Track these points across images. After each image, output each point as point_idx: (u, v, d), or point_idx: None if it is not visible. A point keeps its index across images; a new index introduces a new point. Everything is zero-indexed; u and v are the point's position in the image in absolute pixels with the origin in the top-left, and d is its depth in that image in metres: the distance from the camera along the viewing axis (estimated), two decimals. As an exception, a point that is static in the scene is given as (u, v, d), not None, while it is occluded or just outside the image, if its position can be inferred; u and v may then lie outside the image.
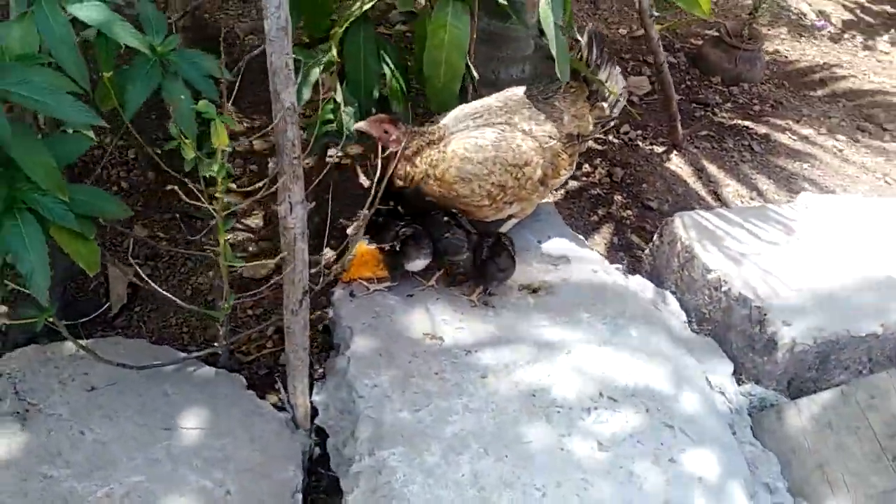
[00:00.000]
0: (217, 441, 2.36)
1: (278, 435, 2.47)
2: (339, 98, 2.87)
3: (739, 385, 2.75)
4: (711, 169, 4.16)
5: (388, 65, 2.90)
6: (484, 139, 2.67)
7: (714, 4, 5.36)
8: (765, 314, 2.71)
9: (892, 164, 4.37)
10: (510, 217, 2.91)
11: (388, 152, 2.54)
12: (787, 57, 5.28)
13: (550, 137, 2.77)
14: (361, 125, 2.62)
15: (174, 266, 3.23)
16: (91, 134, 2.00)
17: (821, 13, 5.86)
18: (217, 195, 1.92)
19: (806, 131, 4.55)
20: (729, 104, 4.72)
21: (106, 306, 2.98)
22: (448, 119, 2.75)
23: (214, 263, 2.71)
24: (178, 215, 3.42)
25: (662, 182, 4.01)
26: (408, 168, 2.65)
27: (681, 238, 3.04)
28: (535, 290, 2.75)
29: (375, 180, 2.36)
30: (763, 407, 2.71)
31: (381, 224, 2.71)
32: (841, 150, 4.44)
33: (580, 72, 2.92)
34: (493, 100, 2.81)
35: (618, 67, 3.10)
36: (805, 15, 5.82)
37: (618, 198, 3.89)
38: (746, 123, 4.53)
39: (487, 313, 2.65)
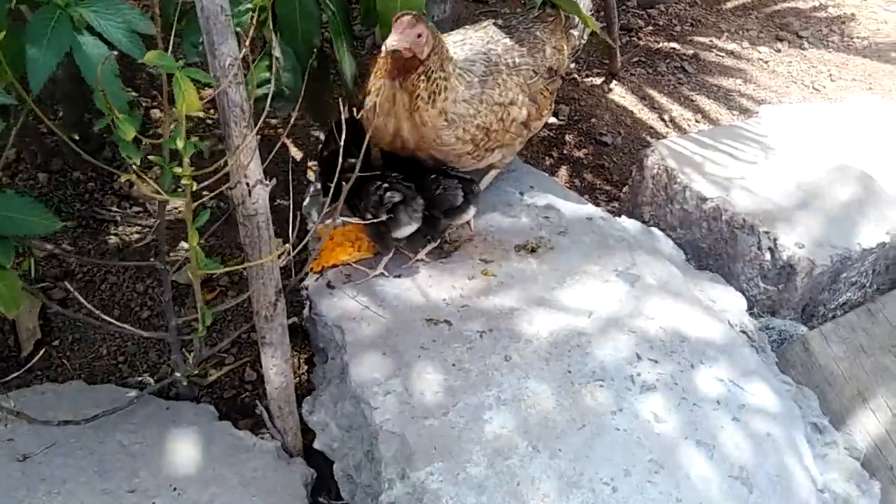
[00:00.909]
0: (202, 494, 1.87)
1: (272, 469, 2.01)
2: (277, 52, 2.35)
3: (756, 319, 2.51)
4: (653, 95, 3.90)
5: (329, 5, 2.39)
6: (471, 74, 2.24)
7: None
8: (775, 239, 2.46)
9: (817, 70, 4.26)
10: (490, 168, 2.51)
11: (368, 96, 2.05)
12: (691, -27, 5.07)
13: (534, 72, 2.37)
14: (395, 43, 2.01)
15: (92, 284, 2.63)
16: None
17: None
18: (184, 180, 1.40)
19: (730, 46, 4.38)
20: (650, 27, 4.47)
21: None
22: None
23: (158, 271, 2.17)
24: (84, 220, 2.80)
25: (610, 114, 3.71)
26: (424, 112, 2.15)
27: (666, 169, 2.74)
28: (533, 250, 2.38)
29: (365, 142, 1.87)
30: (783, 340, 2.48)
31: (356, 189, 2.24)
32: (766, 62, 4.30)
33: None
34: (472, 30, 2.37)
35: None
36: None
37: (569, 137, 3.56)
38: (673, 45, 4.30)
39: (490, 283, 2.26)
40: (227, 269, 1.63)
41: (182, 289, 2.62)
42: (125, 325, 1.87)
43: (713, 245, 2.64)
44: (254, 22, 2.17)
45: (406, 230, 2.19)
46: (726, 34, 4.48)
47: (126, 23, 1.67)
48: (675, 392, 2.00)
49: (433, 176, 2.26)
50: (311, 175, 3.13)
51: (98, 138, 3.05)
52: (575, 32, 2.59)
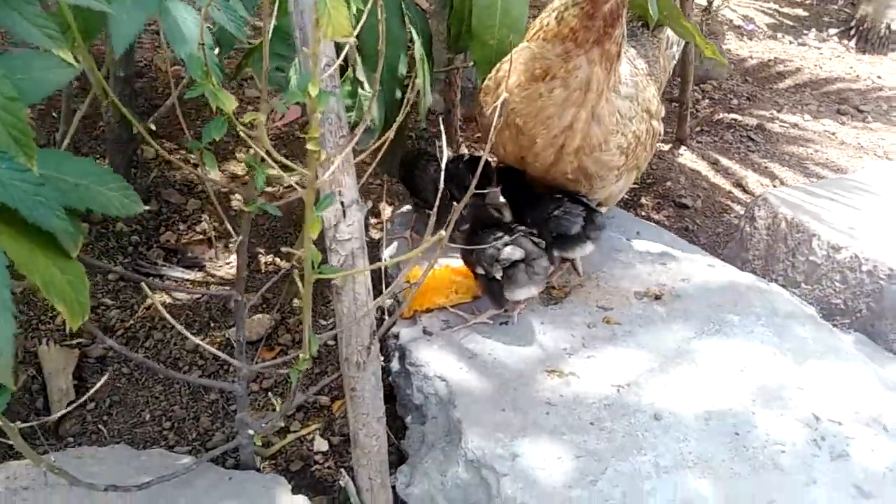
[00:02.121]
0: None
1: (365, 557, 1.54)
2: (360, 75, 2.04)
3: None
4: (724, 161, 3.60)
5: (415, 27, 2.11)
6: (622, 70, 1.86)
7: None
8: (931, 290, 2.08)
9: (887, 142, 4.00)
10: (599, 204, 2.15)
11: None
12: (738, 55, 4.93)
13: (657, 90, 2.06)
14: None
15: (135, 340, 2.22)
16: (71, 58, 1.05)
17: (745, 17, 5.64)
18: (311, 143, 1.02)
19: (793, 118, 4.14)
20: (706, 101, 4.25)
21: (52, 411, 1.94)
22: None
23: (208, 326, 1.77)
24: (123, 273, 2.42)
25: (685, 178, 3.40)
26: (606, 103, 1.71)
27: (785, 218, 2.38)
28: (657, 297, 1.99)
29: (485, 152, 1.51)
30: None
31: (470, 229, 1.87)
32: (833, 133, 4.04)
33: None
34: None
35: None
36: (731, 21, 5.56)
37: (645, 200, 3.24)
38: (734, 116, 4.06)
39: (615, 332, 1.85)
40: (344, 273, 1.23)
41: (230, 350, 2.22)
42: (178, 375, 1.45)
43: (850, 300, 2.25)
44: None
45: (523, 293, 1.80)
46: (785, 108, 4.27)
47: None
48: (875, 458, 1.56)
49: (557, 195, 1.90)
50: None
51: (144, 189, 2.72)
52: (671, 56, 2.30)
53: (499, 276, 1.75)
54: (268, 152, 1.06)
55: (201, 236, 2.63)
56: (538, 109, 1.73)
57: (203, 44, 1.15)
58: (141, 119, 1.73)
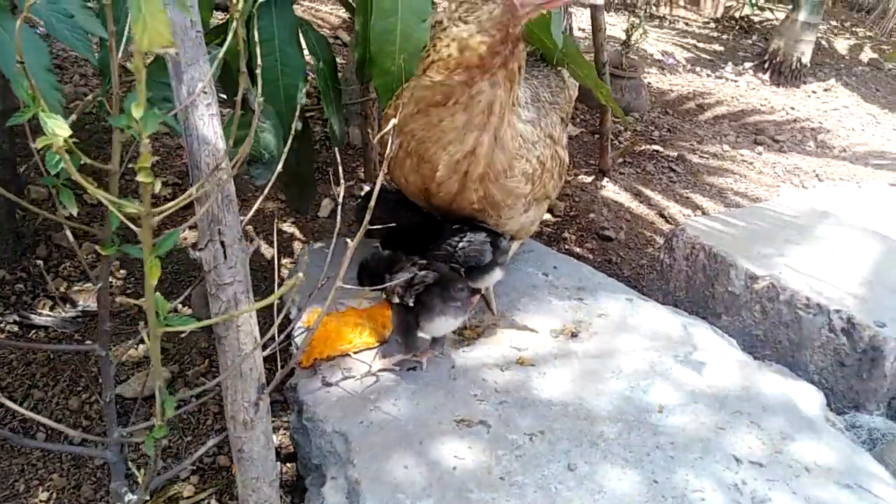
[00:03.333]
0: None
1: None
2: (256, 106, 1.90)
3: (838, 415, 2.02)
4: (647, 192, 3.58)
5: (315, 55, 1.99)
6: (524, 96, 1.79)
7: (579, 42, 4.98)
8: (849, 318, 2.03)
9: (802, 171, 4.06)
10: (511, 239, 2.04)
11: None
12: (659, 88, 4.99)
13: (562, 119, 1.98)
14: None
15: (12, 399, 1.98)
16: None
17: (665, 52, 5.73)
18: (142, 161, 0.86)
19: (713, 149, 4.18)
20: (628, 132, 4.25)
21: None
22: None
23: (97, 383, 1.56)
24: (8, 326, 2.20)
25: (608, 210, 3.35)
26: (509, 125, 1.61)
27: (703, 247, 2.33)
28: (574, 335, 1.88)
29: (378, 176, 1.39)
30: (874, 440, 1.99)
31: (378, 260, 1.73)
32: (752, 163, 4.09)
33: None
34: None
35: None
36: (652, 55, 5.65)
37: (568, 234, 3.16)
38: (656, 148, 4.06)
39: (530, 374, 1.73)
40: (203, 323, 1.07)
41: (127, 404, 2.01)
42: (32, 443, 1.27)
43: (770, 331, 2.19)
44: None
45: (440, 324, 1.66)
46: (705, 139, 4.30)
47: (66, 13, 1.22)
48: None
49: (456, 226, 1.79)
50: (285, 272, 2.62)
51: (31, 233, 2.51)
52: (574, 84, 2.24)
53: (411, 302, 1.62)
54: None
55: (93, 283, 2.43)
56: (439, 135, 1.63)
57: (22, 62, 0.99)
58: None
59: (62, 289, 2.38)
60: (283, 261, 2.71)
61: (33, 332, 2.21)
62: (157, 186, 0.89)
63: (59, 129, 0.98)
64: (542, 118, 1.82)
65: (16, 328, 2.20)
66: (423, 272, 1.62)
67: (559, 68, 2.17)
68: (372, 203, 1.40)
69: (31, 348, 2.10)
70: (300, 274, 1.01)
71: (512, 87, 1.57)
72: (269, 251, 2.70)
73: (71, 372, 2.09)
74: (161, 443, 1.17)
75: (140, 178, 0.86)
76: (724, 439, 1.60)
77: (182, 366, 2.18)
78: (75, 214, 1.25)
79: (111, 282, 2.42)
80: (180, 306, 1.51)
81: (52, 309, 2.31)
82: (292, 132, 1.72)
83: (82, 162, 1.08)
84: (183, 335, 2.21)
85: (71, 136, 0.92)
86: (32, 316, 2.25)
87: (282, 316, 1.29)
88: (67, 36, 1.21)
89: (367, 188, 2.00)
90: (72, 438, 1.90)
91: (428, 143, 1.64)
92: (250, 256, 1.37)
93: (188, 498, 1.81)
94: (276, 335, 1.60)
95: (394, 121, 1.44)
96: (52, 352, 2.13)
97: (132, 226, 0.92)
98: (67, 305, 2.33)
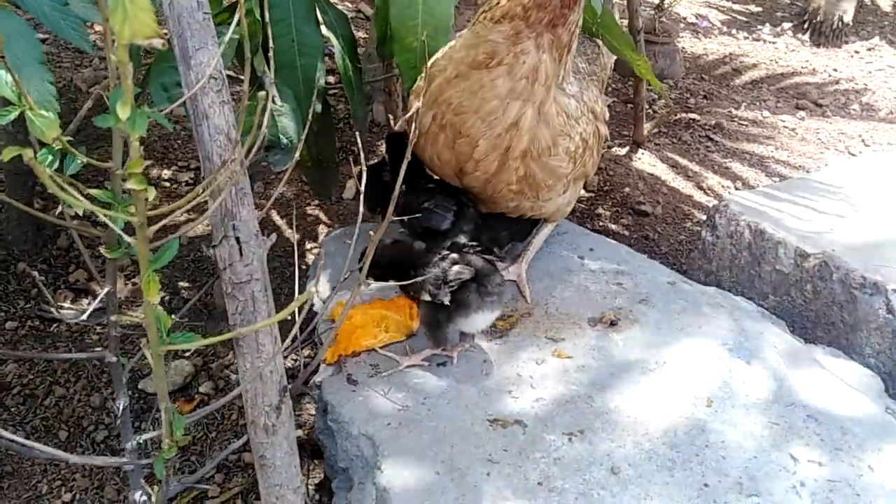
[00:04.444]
0: None
1: None
2: (272, 89, 1.79)
3: (897, 402, 1.88)
4: (684, 163, 3.41)
5: (334, 32, 1.87)
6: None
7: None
8: (909, 298, 1.88)
9: (847, 136, 3.84)
10: (544, 221, 1.92)
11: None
12: (693, 53, 4.77)
13: (600, 90, 1.85)
14: None
15: (33, 398, 1.95)
16: None
17: (699, 15, 5.48)
18: (133, 167, 0.76)
19: (752, 115, 3.97)
20: (662, 101, 4.06)
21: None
22: None
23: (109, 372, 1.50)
24: (28, 320, 2.15)
25: (644, 184, 3.19)
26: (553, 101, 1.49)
27: (749, 225, 2.18)
28: (613, 323, 1.76)
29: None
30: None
31: (402, 252, 1.62)
32: (793, 129, 3.88)
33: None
34: None
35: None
36: (685, 18, 5.40)
37: (603, 209, 3.02)
38: (692, 116, 3.87)
39: (567, 368, 1.62)
40: (210, 340, 0.97)
41: (150, 400, 1.95)
42: (57, 452, 1.19)
43: (822, 312, 2.05)
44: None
45: (478, 320, 1.55)
46: (743, 105, 4.10)
47: (61, 0, 1.11)
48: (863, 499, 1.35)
49: (430, 185, 1.70)
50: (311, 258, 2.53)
51: (51, 224, 2.44)
52: (606, 56, 2.09)
53: (447, 301, 1.51)
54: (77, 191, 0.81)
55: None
56: (479, 103, 1.50)
57: (3, 56, 0.89)
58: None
59: (83, 280, 2.31)
60: (308, 245, 2.62)
61: (54, 325, 2.15)
62: (152, 194, 0.78)
63: (48, 128, 0.89)
64: (584, 91, 1.68)
65: (37, 322, 2.14)
66: (456, 267, 1.51)
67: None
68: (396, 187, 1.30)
69: (21, 357, 2.04)
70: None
71: (561, 58, 1.45)
72: (294, 236, 2.61)
73: (93, 368, 2.03)
74: (168, 460, 1.08)
75: (130, 184, 0.76)
76: (779, 435, 1.48)
77: (205, 358, 2.11)
78: (81, 215, 1.16)
79: (132, 278, 2.35)
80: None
81: (73, 301, 2.25)
82: (311, 115, 1.62)
83: (82, 161, 0.99)
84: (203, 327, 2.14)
85: (79, 131, 0.83)
86: (52, 310, 2.19)
87: (304, 313, 1.19)
88: (62, 26, 1.12)
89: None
90: (87, 442, 1.85)
91: (467, 114, 1.51)
92: (272, 244, 1.28)
93: (213, 498, 1.74)
94: (298, 334, 1.51)
95: (418, 103, 1.32)
96: (77, 350, 2.07)
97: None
98: (89, 297, 2.27)
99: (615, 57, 2.16)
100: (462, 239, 1.65)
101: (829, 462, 1.43)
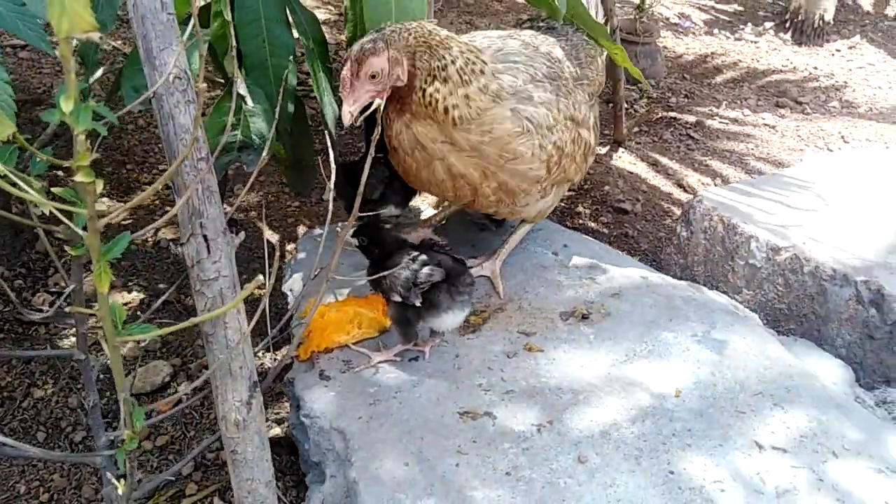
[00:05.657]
0: None
1: None
2: (242, 90, 1.82)
3: (868, 391, 1.91)
4: (664, 161, 3.44)
5: (304, 34, 1.89)
6: (537, 72, 1.72)
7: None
8: (878, 289, 1.91)
9: (826, 133, 3.88)
10: (522, 221, 1.95)
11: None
12: (675, 51, 4.81)
13: (590, 94, 1.88)
14: (350, 110, 1.55)
15: (11, 400, 1.96)
16: None
17: (681, 14, 5.53)
18: (81, 175, 0.77)
19: (733, 114, 4.01)
20: (644, 100, 4.10)
21: None
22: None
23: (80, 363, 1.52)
24: (6, 324, 2.16)
25: (623, 182, 3.22)
26: (444, 101, 1.57)
27: (721, 219, 2.21)
28: (584, 317, 1.79)
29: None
30: (906, 415, 1.88)
31: (377, 247, 1.64)
32: (773, 126, 3.92)
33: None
34: (506, 35, 1.82)
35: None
36: (667, 18, 5.45)
37: (582, 207, 3.05)
38: (672, 114, 3.90)
39: (538, 361, 1.65)
40: (165, 330, 0.98)
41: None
42: (29, 448, 1.21)
43: (794, 305, 2.08)
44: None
45: (449, 319, 1.58)
46: (724, 104, 4.14)
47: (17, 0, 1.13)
48: (826, 496, 1.37)
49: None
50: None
51: (31, 228, 2.45)
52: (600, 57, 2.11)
53: (418, 302, 1.53)
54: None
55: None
56: (416, 170, 1.69)
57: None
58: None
59: (61, 283, 2.32)
60: (290, 246, 2.64)
61: (33, 328, 2.16)
62: (100, 186, 0.80)
63: (2, 126, 0.91)
64: (563, 98, 1.72)
65: (16, 325, 2.15)
66: (426, 269, 1.53)
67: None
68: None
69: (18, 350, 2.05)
70: (259, 276, 0.92)
71: (435, 114, 1.58)
72: (274, 236, 2.63)
73: (70, 370, 2.05)
74: (134, 455, 1.10)
75: (78, 178, 0.78)
76: (745, 424, 1.51)
77: (184, 358, 2.13)
78: (47, 214, 1.18)
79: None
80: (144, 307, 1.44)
81: (51, 305, 2.26)
82: (279, 115, 1.64)
83: (41, 160, 1.01)
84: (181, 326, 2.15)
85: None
86: (31, 313, 2.20)
87: (271, 309, 1.21)
88: (19, 26, 1.13)
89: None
90: (65, 443, 1.85)
91: (417, 174, 1.71)
92: (252, 244, 1.29)
93: (191, 496, 1.76)
94: (269, 329, 1.53)
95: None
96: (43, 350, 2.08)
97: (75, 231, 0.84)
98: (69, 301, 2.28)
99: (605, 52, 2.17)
100: (393, 210, 1.74)
101: (793, 448, 1.45)
